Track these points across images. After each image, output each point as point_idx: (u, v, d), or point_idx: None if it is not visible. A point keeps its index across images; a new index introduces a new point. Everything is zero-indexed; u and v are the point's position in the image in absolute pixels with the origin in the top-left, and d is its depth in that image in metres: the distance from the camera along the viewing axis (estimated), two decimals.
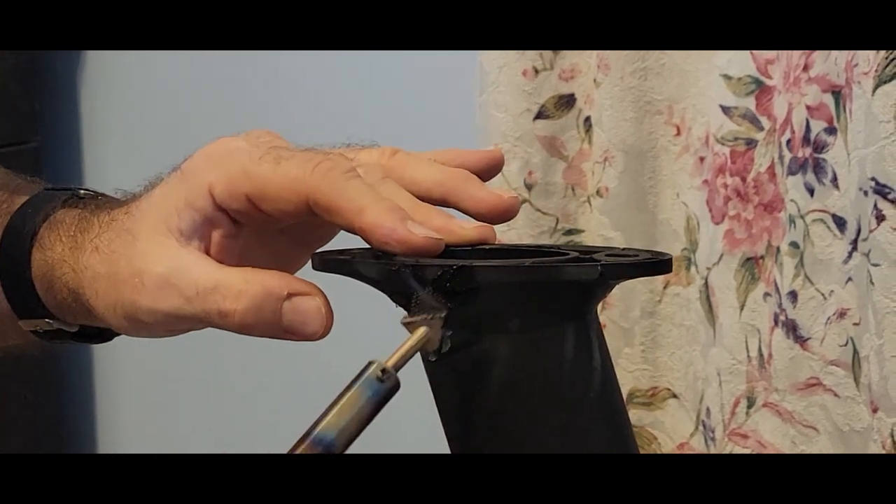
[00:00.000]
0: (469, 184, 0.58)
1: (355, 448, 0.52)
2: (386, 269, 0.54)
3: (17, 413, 1.77)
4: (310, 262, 0.61)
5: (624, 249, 0.56)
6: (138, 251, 0.59)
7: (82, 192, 0.65)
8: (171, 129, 1.74)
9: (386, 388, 0.52)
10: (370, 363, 0.52)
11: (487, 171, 0.61)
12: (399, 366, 0.53)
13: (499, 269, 0.53)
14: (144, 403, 1.87)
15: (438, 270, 0.53)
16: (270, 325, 0.57)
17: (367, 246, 0.56)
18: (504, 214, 0.58)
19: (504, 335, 0.53)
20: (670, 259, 0.54)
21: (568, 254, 0.55)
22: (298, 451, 0.51)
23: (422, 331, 0.53)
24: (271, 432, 1.58)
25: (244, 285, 0.57)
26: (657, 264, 0.54)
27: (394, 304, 0.58)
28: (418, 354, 0.55)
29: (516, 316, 0.53)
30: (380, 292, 0.57)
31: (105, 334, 0.66)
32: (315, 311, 0.57)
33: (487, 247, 0.56)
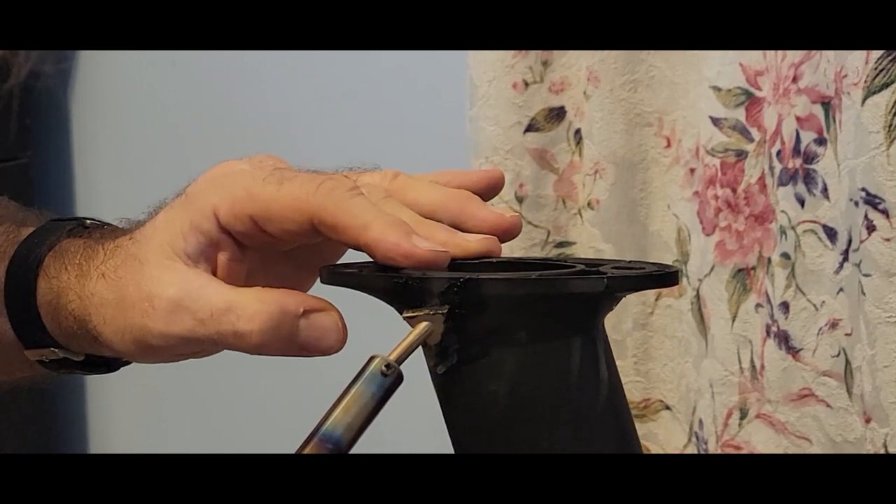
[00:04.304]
0: (471, 204, 0.59)
1: (355, 448, 0.53)
2: (393, 281, 0.54)
3: (7, 413, 1.76)
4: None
5: (630, 262, 0.57)
6: (147, 276, 0.59)
7: (88, 221, 0.65)
8: (161, 144, 1.74)
9: (390, 381, 0.53)
10: (372, 358, 0.53)
11: (488, 191, 0.62)
12: (402, 359, 0.53)
13: (506, 281, 0.53)
14: (136, 403, 1.86)
15: (445, 283, 0.53)
16: (287, 343, 0.57)
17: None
18: (507, 233, 0.59)
19: (511, 348, 0.53)
20: (677, 272, 0.55)
21: (574, 267, 0.55)
22: (307, 450, 0.51)
23: (423, 325, 0.53)
24: (266, 434, 1.58)
25: (259, 305, 0.57)
26: (663, 277, 0.55)
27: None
28: (424, 363, 0.55)
29: (523, 329, 0.53)
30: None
31: (111, 364, 0.65)
32: (332, 326, 0.57)
33: (493, 260, 0.57)
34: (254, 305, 0.57)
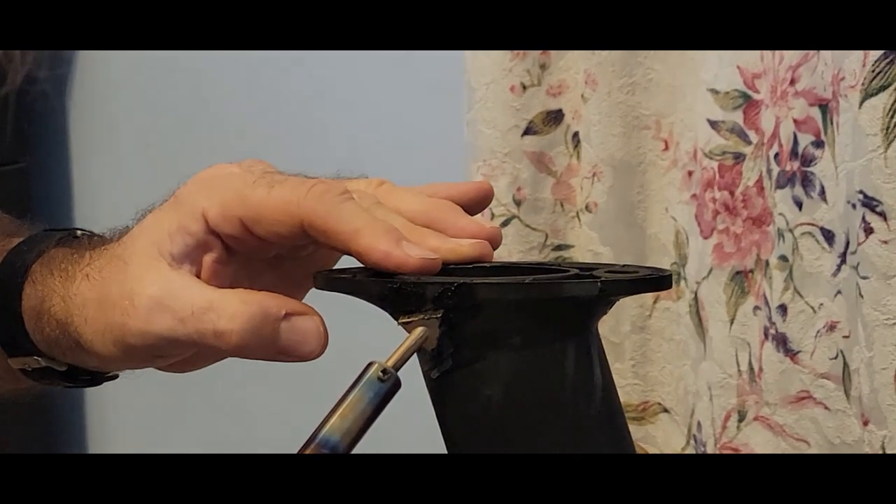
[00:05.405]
0: (452, 213, 0.59)
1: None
2: (387, 286, 0.54)
3: (6, 413, 1.76)
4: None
5: (624, 266, 0.57)
6: (130, 275, 0.58)
7: (79, 232, 0.65)
8: (158, 148, 1.74)
9: (387, 387, 0.53)
10: (370, 364, 0.53)
11: (476, 204, 0.61)
12: (399, 365, 0.53)
13: (499, 286, 0.53)
14: (135, 403, 1.86)
15: (439, 288, 0.53)
16: (267, 345, 0.57)
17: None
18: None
19: (505, 352, 0.53)
20: (670, 275, 0.55)
21: (568, 271, 0.55)
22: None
23: (420, 330, 0.53)
24: (264, 438, 1.58)
25: (241, 305, 0.57)
26: (657, 280, 0.55)
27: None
28: (417, 367, 0.55)
29: (517, 333, 0.53)
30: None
31: (95, 376, 0.65)
32: (313, 331, 0.57)
33: (487, 265, 0.57)
34: (235, 305, 0.56)
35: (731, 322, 0.98)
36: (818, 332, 0.91)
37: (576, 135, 1.08)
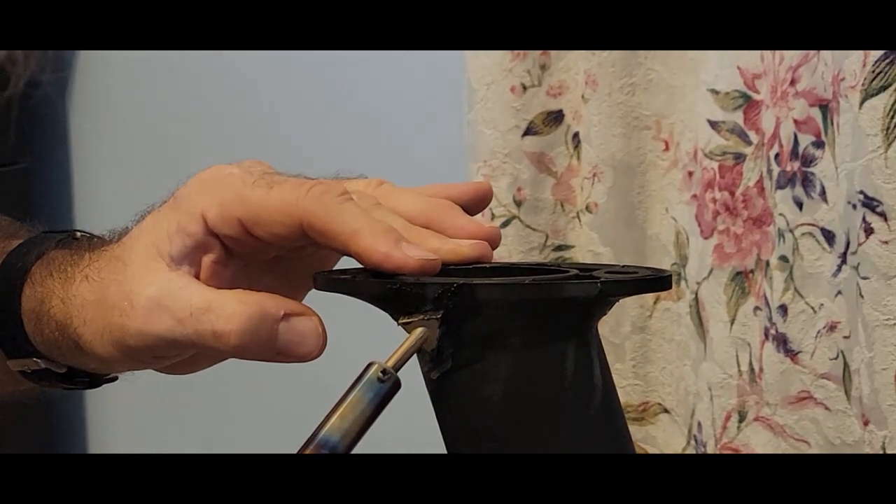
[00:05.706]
0: (451, 213, 0.59)
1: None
2: (387, 287, 0.54)
3: (6, 413, 1.75)
4: None
5: (624, 266, 0.57)
6: (128, 276, 0.59)
7: (79, 233, 0.65)
8: (159, 149, 1.74)
9: (387, 388, 0.53)
10: (370, 364, 0.53)
11: (475, 204, 0.62)
12: (399, 366, 0.53)
13: (499, 286, 0.53)
14: (135, 403, 1.86)
15: (439, 288, 0.53)
16: (265, 346, 0.57)
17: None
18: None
19: (505, 352, 0.53)
20: (670, 276, 0.55)
21: (568, 271, 0.55)
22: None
23: (420, 331, 0.54)
24: (264, 438, 1.59)
25: (239, 305, 0.57)
26: (657, 281, 0.55)
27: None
28: (417, 368, 0.55)
29: (517, 333, 0.53)
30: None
31: (93, 378, 0.65)
32: (312, 331, 0.57)
33: (486, 265, 0.57)
34: (233, 306, 0.57)
35: (732, 322, 0.98)
36: (818, 332, 0.91)
37: (576, 135, 1.08)
